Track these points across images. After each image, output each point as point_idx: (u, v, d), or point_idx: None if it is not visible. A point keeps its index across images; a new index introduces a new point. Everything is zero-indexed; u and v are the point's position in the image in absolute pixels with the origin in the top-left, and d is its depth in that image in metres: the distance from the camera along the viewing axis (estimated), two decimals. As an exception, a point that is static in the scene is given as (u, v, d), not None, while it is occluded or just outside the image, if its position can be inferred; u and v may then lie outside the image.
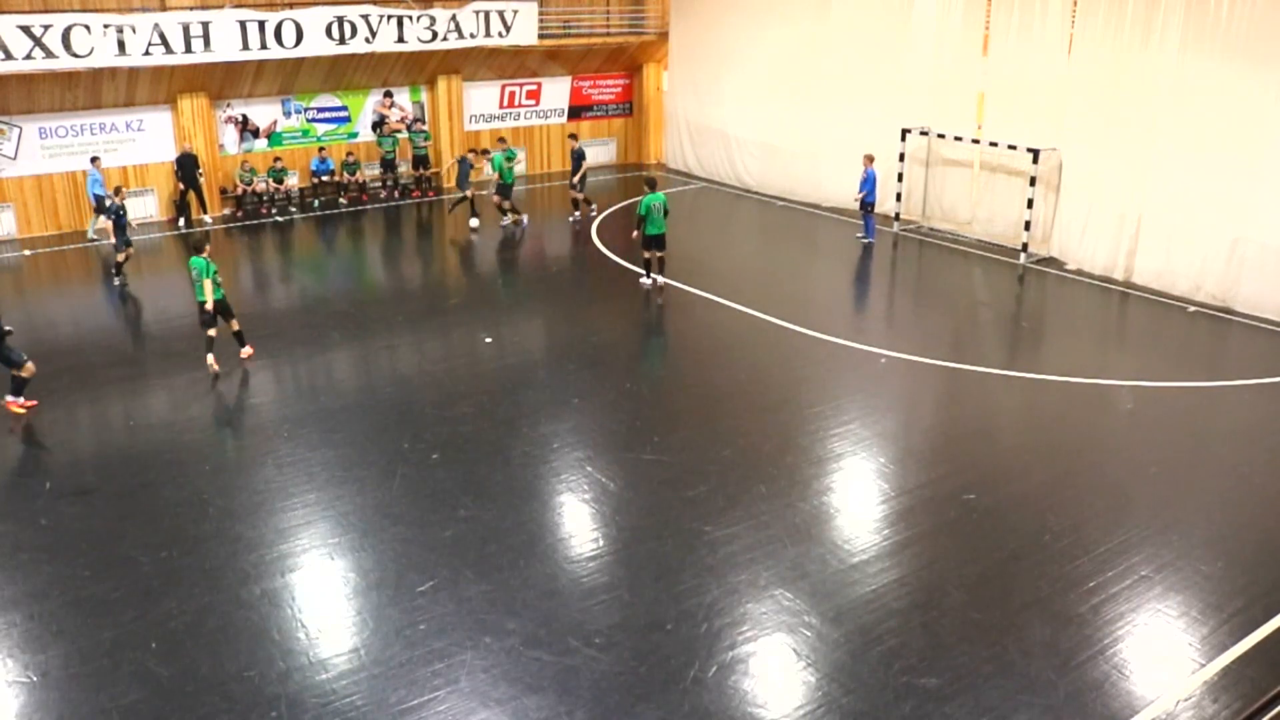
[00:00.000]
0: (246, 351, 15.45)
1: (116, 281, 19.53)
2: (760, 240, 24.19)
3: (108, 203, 19.93)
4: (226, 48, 23.20)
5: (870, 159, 22.30)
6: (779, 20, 26.33)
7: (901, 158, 23.58)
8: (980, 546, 10.67)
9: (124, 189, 20.59)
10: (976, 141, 22.30)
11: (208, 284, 14.76)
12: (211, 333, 14.98)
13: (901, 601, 9.65)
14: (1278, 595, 9.79)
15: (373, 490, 11.60)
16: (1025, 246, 21.45)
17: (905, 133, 23.36)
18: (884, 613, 9.47)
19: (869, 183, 22.22)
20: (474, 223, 23.82)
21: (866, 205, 22.44)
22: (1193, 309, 18.60)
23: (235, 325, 15.43)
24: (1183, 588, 9.98)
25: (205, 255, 14.85)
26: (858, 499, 11.74)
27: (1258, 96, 17.66)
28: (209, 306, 14.87)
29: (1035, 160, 20.90)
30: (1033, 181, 21.11)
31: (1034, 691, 8.43)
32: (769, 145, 27.23)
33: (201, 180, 24.08)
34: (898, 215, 23.70)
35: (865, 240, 22.50)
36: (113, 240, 19.70)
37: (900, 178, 23.68)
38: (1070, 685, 8.52)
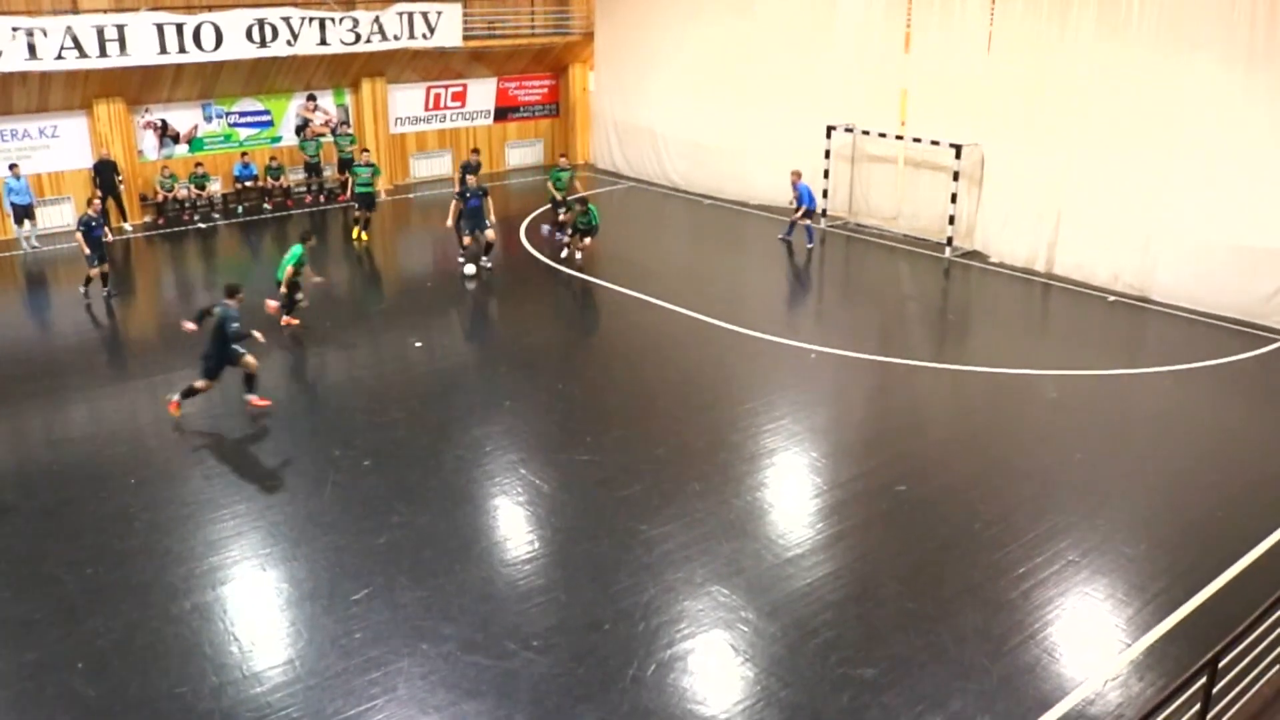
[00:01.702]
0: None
1: (83, 293, 18.57)
2: (689, 239, 24.27)
3: (88, 218, 18.35)
4: (143, 51, 22.69)
5: (798, 174, 22.36)
6: (704, 19, 26.45)
7: (827, 155, 23.80)
8: (913, 537, 10.83)
9: (95, 200, 19.58)
10: (900, 138, 22.61)
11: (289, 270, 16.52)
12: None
13: (837, 594, 9.76)
14: (1198, 574, 10.07)
15: (304, 499, 11.46)
16: (950, 241, 21.80)
17: (830, 130, 23.59)
18: (820, 605, 9.57)
19: (806, 196, 22.11)
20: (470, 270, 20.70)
21: (810, 214, 22.31)
22: (1112, 299, 19.04)
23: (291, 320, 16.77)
24: (1108, 571, 10.23)
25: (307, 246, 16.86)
26: (791, 494, 11.84)
27: (1172, 90, 18.13)
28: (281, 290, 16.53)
29: (958, 156, 21.25)
30: (956, 176, 21.46)
31: (968, 677, 8.58)
32: (696, 144, 27.34)
33: (121, 187, 23.55)
34: (824, 212, 23.93)
35: (809, 246, 22.35)
36: (86, 252, 18.20)
37: (826, 175, 23.90)
38: (1003, 670, 8.69)
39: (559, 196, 22.76)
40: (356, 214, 22.99)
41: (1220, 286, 17.85)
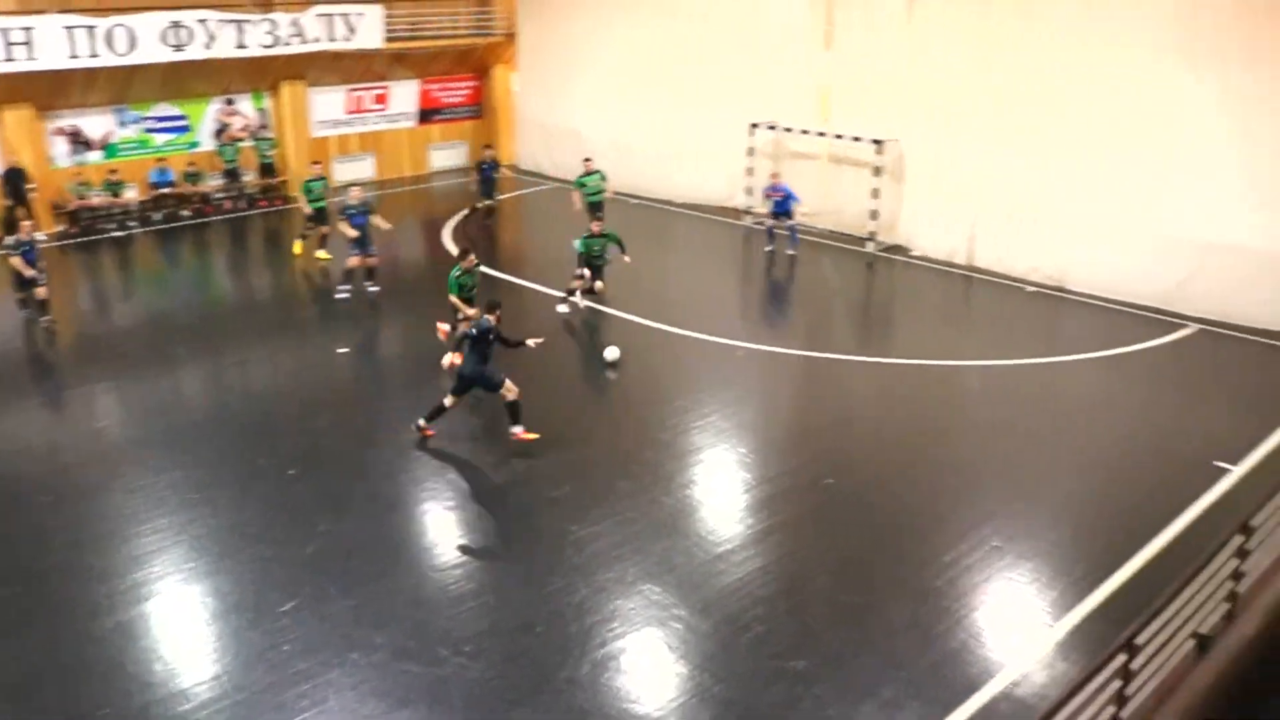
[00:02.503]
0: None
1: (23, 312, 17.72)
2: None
3: (9, 240, 17.45)
4: (53, 55, 22.12)
5: (777, 175, 21.85)
6: (627, 19, 26.50)
7: (751, 153, 23.96)
8: (841, 530, 10.96)
9: (26, 221, 18.43)
10: (823, 134, 22.83)
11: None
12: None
13: (768, 588, 9.84)
14: (1118, 556, 10.32)
15: (228, 510, 11.26)
16: (873, 235, 22.07)
17: (754, 127, 23.76)
18: (751, 600, 9.64)
19: (789, 198, 21.40)
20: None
21: (784, 214, 21.55)
22: (1031, 289, 19.44)
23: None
24: (1032, 555, 10.45)
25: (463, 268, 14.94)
26: (720, 490, 11.92)
27: (1084, 84, 18.55)
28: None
29: (879, 151, 21.52)
30: (877, 172, 21.74)
31: (898, 666, 8.71)
32: (621, 144, 27.34)
33: (32, 195, 22.93)
34: (749, 210, 24.09)
35: (790, 252, 21.70)
36: (28, 274, 17.13)
37: (750, 173, 24.06)
38: (931, 657, 8.84)
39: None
40: (309, 230, 21.35)
41: (1133, 275, 18.31)
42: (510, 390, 12.59)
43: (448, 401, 12.84)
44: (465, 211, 24.30)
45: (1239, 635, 7.89)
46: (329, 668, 8.64)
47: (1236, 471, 12.13)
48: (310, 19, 25.55)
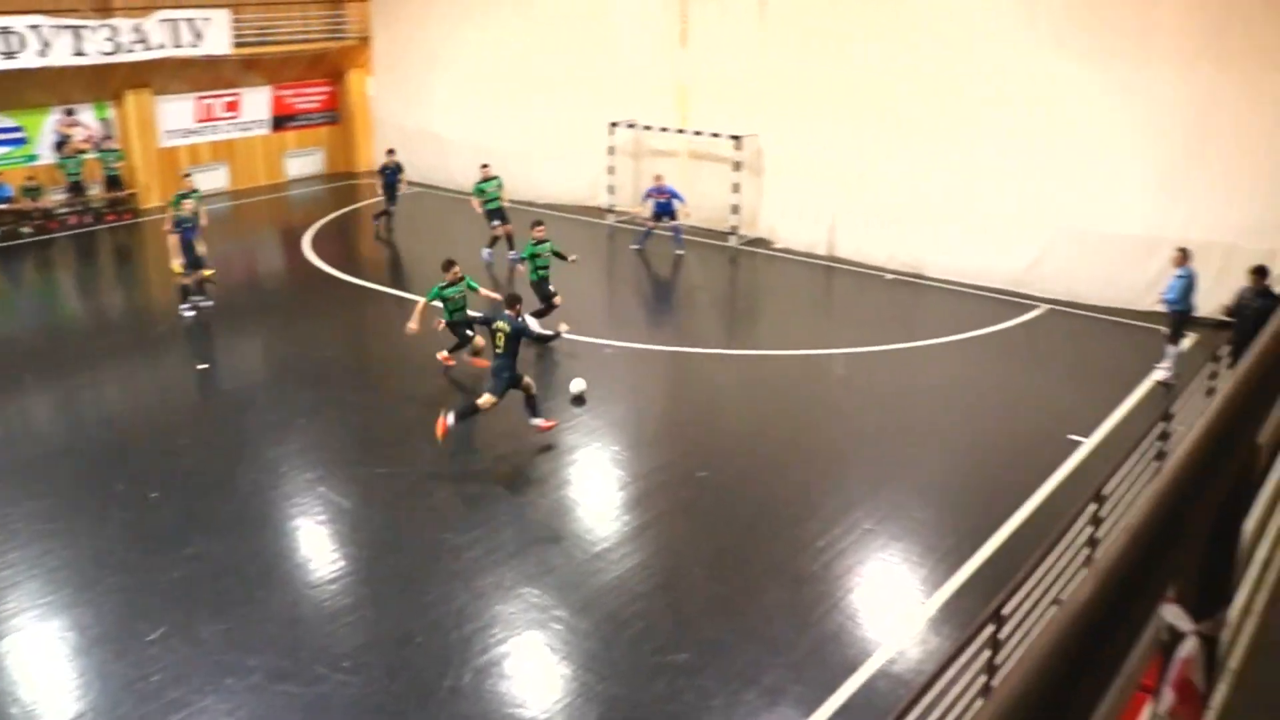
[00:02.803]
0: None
1: None
2: (478, 241, 24.05)
3: None
4: None
5: (660, 178, 21.74)
6: (481, 20, 26.30)
7: (611, 151, 24.05)
8: (716, 521, 11.09)
9: None
10: (682, 131, 23.05)
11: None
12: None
13: (646, 584, 9.90)
14: (982, 532, 10.71)
15: (86, 539, 10.79)
16: (735, 229, 22.38)
17: (613, 126, 23.85)
18: (630, 597, 9.69)
19: (675, 196, 21.48)
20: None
21: (667, 214, 21.58)
22: (890, 276, 19.98)
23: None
24: (901, 535, 10.76)
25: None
26: (595, 489, 11.94)
27: (933, 74, 19.16)
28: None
29: (738, 147, 21.82)
30: (737, 166, 22.05)
31: (778, 652, 8.87)
32: (482, 146, 27.11)
33: None
34: (612, 208, 24.17)
35: (679, 252, 21.72)
36: None
37: (611, 171, 24.15)
38: (810, 641, 9.02)
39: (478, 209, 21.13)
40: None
41: (986, 259, 18.98)
42: (529, 386, 12.85)
43: (483, 402, 12.59)
44: (377, 217, 23.76)
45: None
46: (202, 695, 8.36)
47: (1088, 444, 12.70)
48: (153, 24, 24.60)
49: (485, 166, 21.68)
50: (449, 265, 15.01)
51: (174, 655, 8.87)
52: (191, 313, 17.76)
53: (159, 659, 8.83)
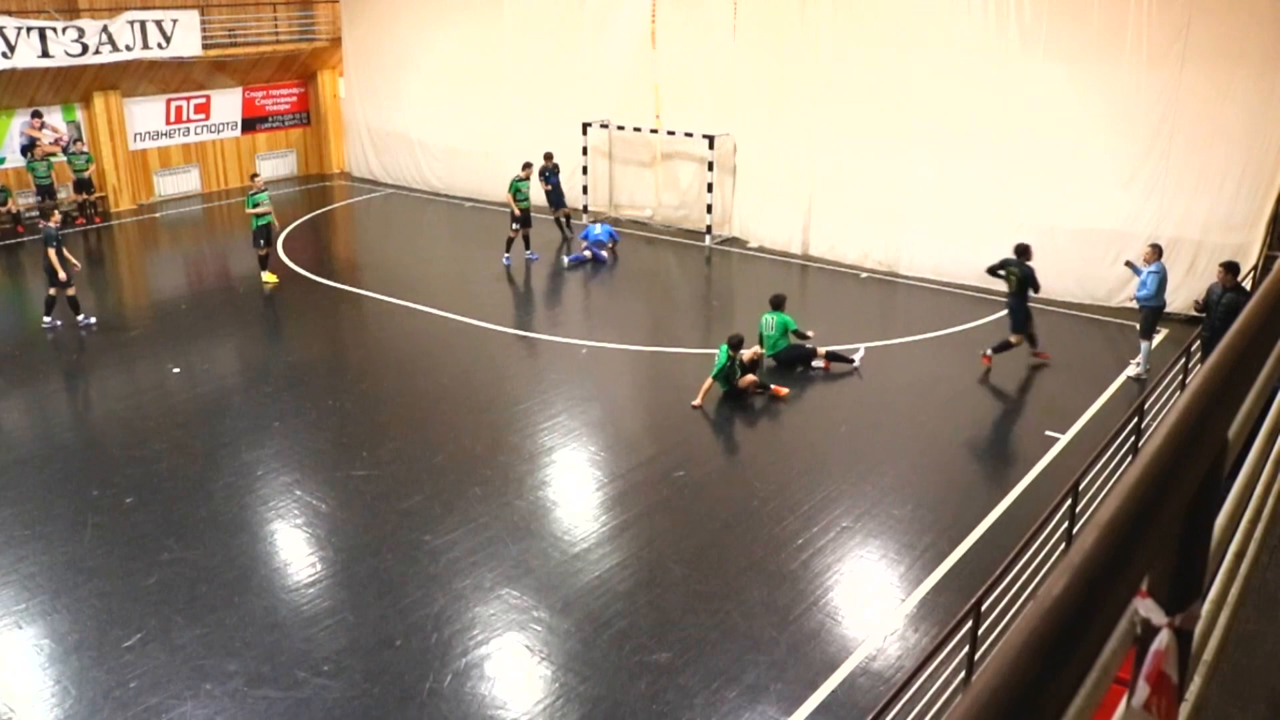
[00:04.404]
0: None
1: None
2: (452, 243, 24.07)
3: None
4: None
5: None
6: (452, 21, 26.22)
7: (585, 152, 24.04)
8: (694, 520, 11.12)
9: None
10: (655, 131, 23.06)
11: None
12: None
13: (626, 583, 9.92)
14: (961, 527, 10.79)
15: (61, 546, 10.71)
16: (709, 229, 22.42)
17: (586, 127, 23.84)
18: (610, 597, 9.70)
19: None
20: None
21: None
22: (864, 275, 20.06)
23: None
24: (880, 532, 10.81)
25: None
26: (573, 489, 11.95)
27: (907, 72, 19.24)
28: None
29: (711, 146, 21.87)
30: (710, 166, 22.09)
31: (759, 650, 8.90)
32: (454, 147, 27.10)
33: None
34: (585, 208, 24.16)
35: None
36: None
37: (585, 171, 24.14)
38: (790, 639, 9.06)
39: (517, 210, 20.88)
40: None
41: (959, 257, 19.07)
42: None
43: (1013, 339, 14.89)
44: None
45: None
46: (181, 701, 8.33)
47: (1064, 439, 12.80)
48: (121, 26, 24.39)
49: (528, 166, 21.31)
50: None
51: (152, 661, 8.83)
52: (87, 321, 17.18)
53: (136, 665, 8.79)
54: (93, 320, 17.66)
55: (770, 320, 15.17)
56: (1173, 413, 1.62)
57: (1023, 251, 15.05)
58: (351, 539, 10.82)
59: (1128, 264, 15.15)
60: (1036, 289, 14.98)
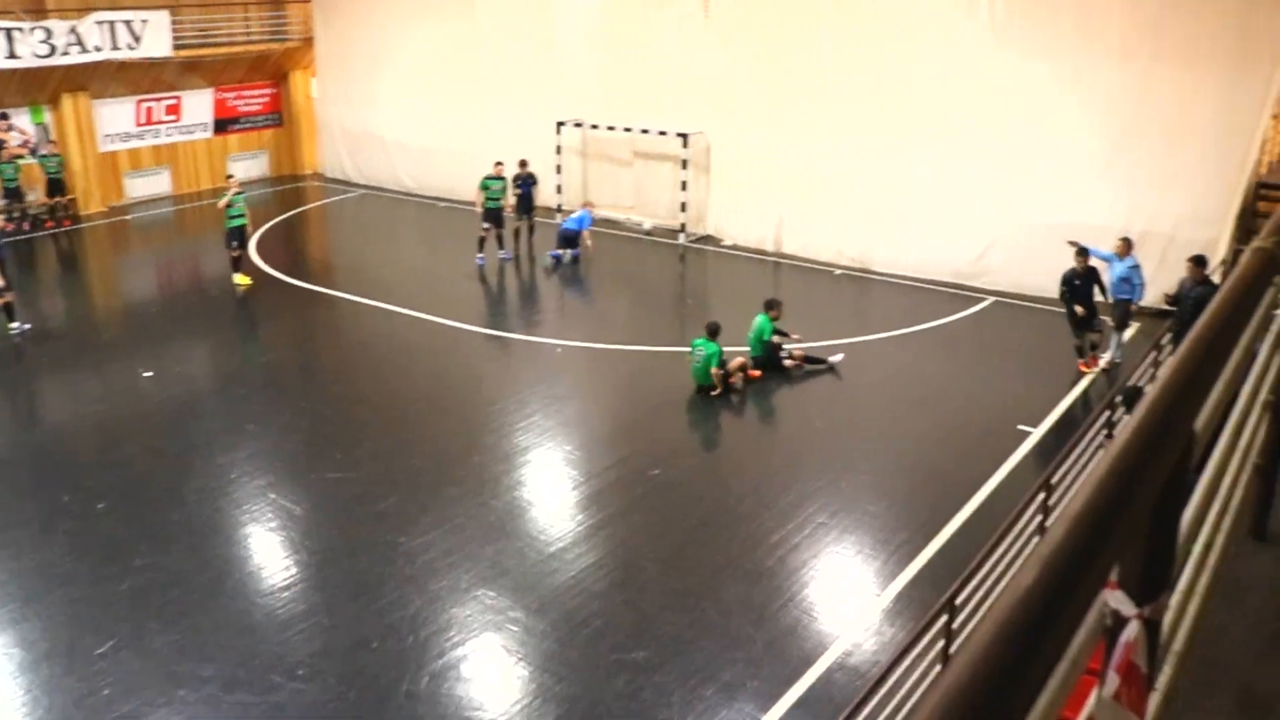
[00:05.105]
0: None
1: None
2: (426, 243, 23.97)
3: None
4: None
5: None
6: (425, 21, 26.14)
7: (559, 150, 24.00)
8: (670, 518, 11.12)
9: None
10: (629, 129, 23.04)
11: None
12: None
13: (602, 583, 9.91)
14: (934, 524, 10.83)
15: (31, 552, 10.60)
16: (684, 227, 22.43)
17: (560, 125, 23.80)
18: (586, 596, 9.69)
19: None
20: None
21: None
22: (838, 272, 20.13)
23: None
24: (855, 529, 10.84)
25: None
26: (548, 489, 11.93)
27: (880, 69, 19.31)
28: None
29: (685, 144, 21.87)
30: (684, 165, 22.09)
31: (736, 647, 8.91)
32: (427, 147, 27.00)
33: None
34: (559, 207, 24.12)
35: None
36: None
37: (559, 169, 24.10)
38: (767, 635, 9.07)
39: (479, 207, 20.77)
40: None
41: (932, 253, 19.17)
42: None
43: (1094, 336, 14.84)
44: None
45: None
46: (154, 707, 8.26)
47: (1037, 433, 12.88)
48: (89, 26, 24.15)
49: (500, 164, 21.10)
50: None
51: (125, 668, 8.75)
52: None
53: (109, 672, 8.70)
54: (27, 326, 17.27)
55: (755, 323, 15.18)
56: (1141, 406, 1.63)
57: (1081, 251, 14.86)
58: (326, 541, 10.76)
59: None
60: (1103, 290, 14.87)
